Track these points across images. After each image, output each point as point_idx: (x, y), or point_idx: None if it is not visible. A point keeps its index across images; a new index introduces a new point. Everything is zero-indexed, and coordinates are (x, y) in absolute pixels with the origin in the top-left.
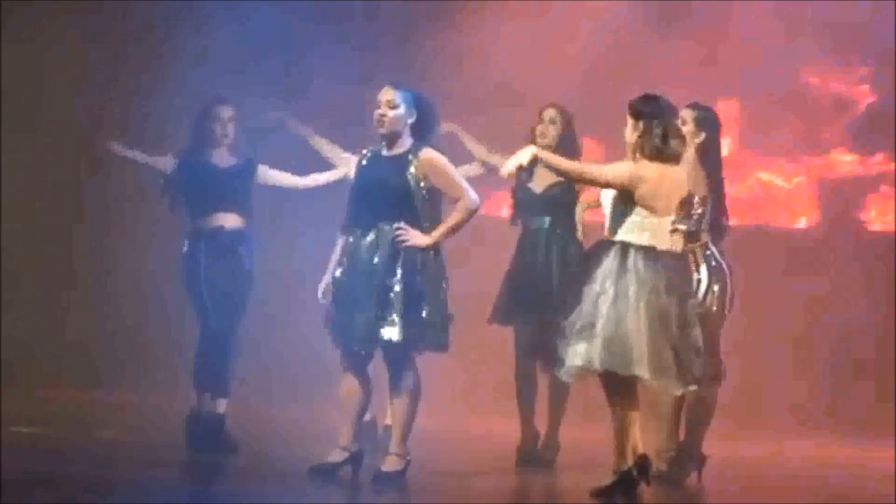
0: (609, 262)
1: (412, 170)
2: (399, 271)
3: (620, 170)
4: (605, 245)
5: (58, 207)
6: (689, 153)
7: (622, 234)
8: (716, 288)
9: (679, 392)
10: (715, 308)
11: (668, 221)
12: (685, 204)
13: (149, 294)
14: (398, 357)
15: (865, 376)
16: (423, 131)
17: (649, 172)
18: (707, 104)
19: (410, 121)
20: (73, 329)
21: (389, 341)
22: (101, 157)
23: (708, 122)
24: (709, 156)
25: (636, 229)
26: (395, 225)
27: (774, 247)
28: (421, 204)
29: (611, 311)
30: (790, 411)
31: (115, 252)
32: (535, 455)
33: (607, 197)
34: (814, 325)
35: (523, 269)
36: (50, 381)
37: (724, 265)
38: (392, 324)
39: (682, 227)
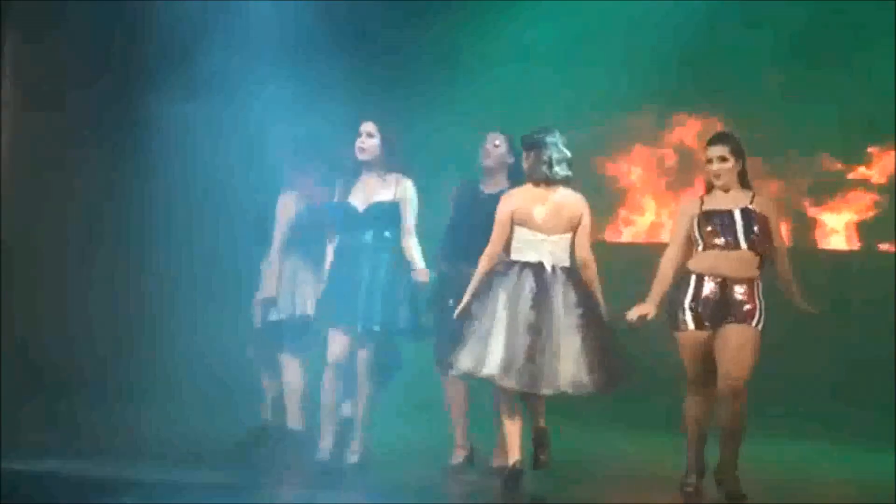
0: (498, 279)
1: None
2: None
3: (499, 218)
4: (504, 265)
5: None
6: (734, 182)
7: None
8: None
9: (540, 392)
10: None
11: (565, 239)
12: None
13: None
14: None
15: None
16: (517, 173)
17: (526, 197)
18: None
19: (510, 161)
20: (92, 344)
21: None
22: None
23: (740, 150)
24: (747, 178)
25: (524, 248)
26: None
27: None
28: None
29: (483, 320)
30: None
31: (136, 271)
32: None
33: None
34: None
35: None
36: (69, 394)
37: None
38: None
39: (720, 242)
